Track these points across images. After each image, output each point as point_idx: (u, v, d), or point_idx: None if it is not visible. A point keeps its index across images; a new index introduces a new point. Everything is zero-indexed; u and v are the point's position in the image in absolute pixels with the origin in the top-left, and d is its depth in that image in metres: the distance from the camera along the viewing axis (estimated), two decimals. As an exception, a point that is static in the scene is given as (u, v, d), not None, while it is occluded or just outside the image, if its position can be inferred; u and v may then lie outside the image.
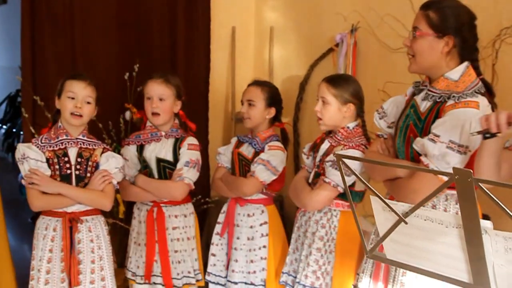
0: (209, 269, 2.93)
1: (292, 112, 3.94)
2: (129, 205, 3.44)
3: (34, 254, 2.53)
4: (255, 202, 2.84)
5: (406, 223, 1.13)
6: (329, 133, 2.59)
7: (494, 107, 2.04)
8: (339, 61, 3.62)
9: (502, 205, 0.98)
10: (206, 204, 3.85)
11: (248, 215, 2.83)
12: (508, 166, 1.83)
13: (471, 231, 1.04)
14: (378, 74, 3.31)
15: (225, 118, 4.32)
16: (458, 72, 2.03)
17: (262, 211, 2.84)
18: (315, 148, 2.64)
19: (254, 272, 2.81)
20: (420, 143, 1.95)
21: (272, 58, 4.20)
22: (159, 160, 2.78)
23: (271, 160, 2.76)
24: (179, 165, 2.75)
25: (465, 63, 2.03)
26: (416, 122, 2.06)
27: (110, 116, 3.52)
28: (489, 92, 2.04)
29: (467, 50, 2.04)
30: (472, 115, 1.87)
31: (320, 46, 3.79)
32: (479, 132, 1.63)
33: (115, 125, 3.63)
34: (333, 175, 2.40)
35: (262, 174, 2.74)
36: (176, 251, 2.78)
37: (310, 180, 2.59)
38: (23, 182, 2.50)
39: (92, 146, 2.59)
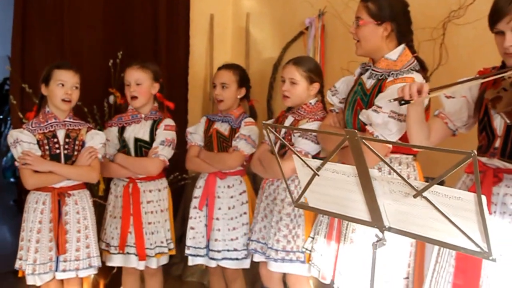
0: (188, 242, 3.17)
1: (266, 91, 4.23)
2: (109, 183, 3.75)
3: (24, 226, 2.84)
4: (234, 174, 3.14)
5: (318, 175, 1.45)
6: (289, 110, 2.89)
7: (427, 81, 2.38)
8: (309, 43, 3.92)
9: (385, 160, 1.28)
10: (184, 180, 4.12)
11: (228, 186, 3.13)
12: (436, 132, 2.16)
13: (364, 179, 1.36)
14: (343, 54, 3.60)
15: (204, 99, 4.60)
16: (396, 53, 2.39)
17: (241, 181, 3.16)
18: (277, 123, 2.94)
19: (237, 238, 3.10)
20: (365, 114, 2.29)
21: (248, 42, 4.49)
22: (136, 140, 3.09)
23: (251, 135, 3.09)
24: (155, 144, 3.06)
25: (402, 45, 2.40)
26: (363, 97, 2.40)
27: (95, 100, 3.79)
28: (423, 68, 2.38)
29: (403, 34, 2.40)
30: None
31: (292, 30, 4.10)
32: (395, 99, 1.96)
33: (99, 109, 3.90)
34: (302, 144, 2.70)
35: (245, 147, 3.06)
36: (150, 223, 3.08)
37: (276, 150, 2.87)
38: (16, 164, 2.80)
39: (78, 127, 2.92)
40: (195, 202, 3.19)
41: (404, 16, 2.41)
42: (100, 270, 3.35)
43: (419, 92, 1.92)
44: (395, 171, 1.34)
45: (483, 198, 1.20)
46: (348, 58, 3.47)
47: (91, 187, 3.15)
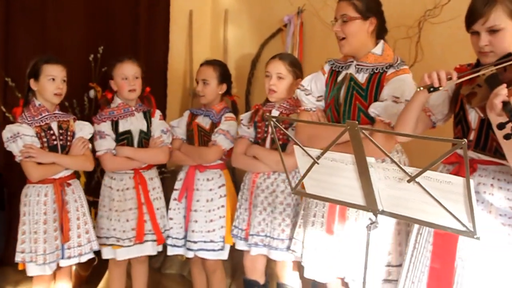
0: (168, 232, 3.29)
1: (244, 86, 4.34)
2: (89, 176, 3.81)
3: (25, 220, 2.92)
4: (213, 167, 3.25)
5: (318, 164, 1.57)
6: (266, 103, 3.00)
7: None
8: (287, 40, 4.05)
9: (383, 150, 1.42)
10: (163, 174, 4.17)
11: (207, 179, 3.24)
12: (420, 124, 2.31)
13: (361, 166, 1.49)
14: (321, 51, 3.74)
15: (183, 94, 4.69)
16: (379, 48, 2.56)
17: (220, 175, 3.27)
18: (256, 118, 3.03)
19: (214, 230, 3.21)
20: (380, 107, 2.42)
21: (226, 38, 4.60)
22: (140, 132, 3.20)
23: (230, 130, 3.20)
24: (157, 134, 3.21)
25: (382, 41, 2.56)
26: (360, 92, 2.52)
27: (75, 95, 3.83)
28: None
29: (381, 30, 2.55)
30: (409, 79, 2.46)
31: (270, 27, 4.22)
32: (424, 87, 2.05)
33: (79, 103, 3.96)
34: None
35: (223, 142, 3.17)
36: (158, 209, 3.24)
37: (267, 146, 2.98)
38: (17, 158, 2.86)
39: (67, 118, 3.04)
40: (175, 194, 3.31)
41: (381, 13, 2.59)
42: (81, 263, 3.43)
43: (449, 77, 2.01)
44: (392, 159, 1.48)
45: (471, 182, 1.34)
46: (326, 55, 3.58)
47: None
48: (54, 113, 2.98)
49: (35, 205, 2.90)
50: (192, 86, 4.62)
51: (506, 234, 2.07)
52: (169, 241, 3.30)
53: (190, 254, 3.27)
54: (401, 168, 1.44)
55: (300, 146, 1.63)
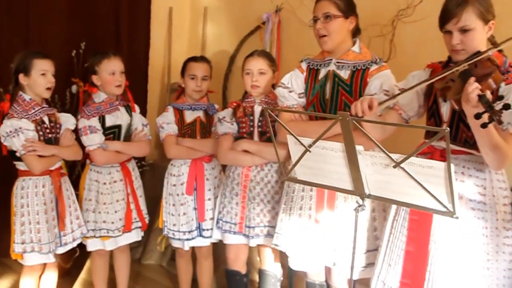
0: (182, 228, 3.29)
1: (221, 82, 4.44)
2: (70, 170, 3.85)
3: (24, 211, 2.94)
4: (214, 156, 3.34)
5: (310, 152, 1.69)
6: (244, 99, 3.11)
7: None
8: (266, 37, 4.16)
9: (373, 139, 1.54)
10: (142, 168, 4.28)
11: (212, 168, 3.35)
12: (393, 122, 2.43)
13: (350, 154, 1.61)
14: (298, 48, 3.88)
15: (161, 90, 4.75)
16: (357, 46, 2.70)
17: (217, 163, 3.39)
18: (238, 113, 3.11)
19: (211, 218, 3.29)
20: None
21: (205, 35, 4.69)
22: (128, 126, 3.28)
23: (219, 123, 3.27)
24: (139, 128, 3.31)
25: (358, 40, 2.67)
26: (345, 88, 2.64)
27: (56, 89, 3.82)
28: None
29: (357, 29, 2.68)
30: (390, 74, 2.62)
31: (249, 24, 4.34)
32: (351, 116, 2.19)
33: (60, 97, 3.98)
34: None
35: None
36: (140, 196, 3.36)
37: (255, 139, 3.05)
38: (18, 153, 2.88)
39: (52, 111, 3.09)
40: (181, 189, 3.29)
41: (357, 14, 2.71)
42: (62, 255, 3.47)
43: (370, 107, 2.17)
44: (380, 147, 1.61)
45: (452, 167, 1.48)
46: (303, 51, 3.71)
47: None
48: (43, 107, 3.02)
49: (35, 197, 2.94)
50: (170, 82, 4.70)
51: (474, 218, 2.22)
52: (186, 236, 3.30)
53: (207, 243, 3.33)
54: (387, 154, 1.56)
55: (293, 135, 1.74)
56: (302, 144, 1.71)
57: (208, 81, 3.35)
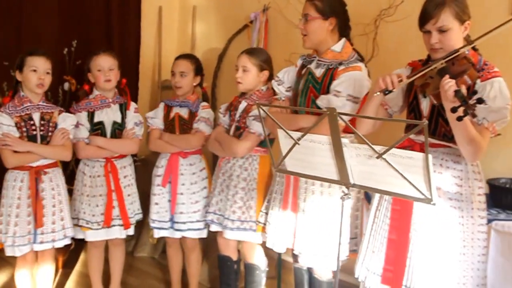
0: (153, 217, 3.45)
1: (211, 79, 4.54)
2: (65, 166, 3.92)
3: (4, 202, 3.04)
4: (195, 153, 3.44)
5: (299, 144, 1.80)
6: (242, 95, 3.22)
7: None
8: (253, 35, 4.28)
9: (357, 132, 1.66)
10: (134, 163, 4.34)
11: (190, 164, 3.43)
12: (379, 116, 2.55)
13: (336, 146, 1.73)
14: (285, 47, 3.99)
15: (152, 87, 4.84)
16: (339, 45, 2.80)
17: (200, 160, 3.47)
18: (231, 107, 3.26)
19: (198, 210, 3.40)
20: (325, 99, 2.68)
21: (194, 33, 4.79)
22: (114, 123, 3.33)
23: (210, 117, 3.41)
24: (130, 126, 3.35)
25: (344, 39, 2.82)
26: (315, 85, 2.78)
27: (49, 87, 3.93)
28: (361, 59, 2.81)
29: (343, 28, 2.84)
30: (358, 76, 2.68)
31: (237, 23, 4.46)
32: (381, 91, 2.30)
33: (53, 95, 4.05)
34: (256, 126, 3.05)
35: (206, 128, 3.38)
36: (128, 195, 3.39)
37: (231, 134, 3.20)
38: None
39: (51, 110, 3.13)
40: (157, 180, 3.44)
41: (344, 13, 2.84)
42: (59, 247, 3.54)
43: (400, 79, 2.28)
44: (364, 140, 1.73)
45: (430, 157, 1.60)
46: (290, 50, 3.85)
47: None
48: (38, 104, 3.07)
49: (11, 190, 3.01)
50: (161, 78, 4.79)
51: (451, 207, 2.35)
52: (155, 224, 3.45)
53: (178, 235, 3.44)
54: (371, 146, 1.69)
55: (283, 129, 1.86)
56: (291, 137, 1.83)
57: (188, 77, 3.42)
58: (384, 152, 1.68)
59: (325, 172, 1.89)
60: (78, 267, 4.07)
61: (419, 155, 1.64)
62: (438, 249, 2.35)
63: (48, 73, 3.07)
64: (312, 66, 2.83)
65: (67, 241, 3.19)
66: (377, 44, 3.62)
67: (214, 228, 3.29)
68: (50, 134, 3.09)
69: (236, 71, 3.22)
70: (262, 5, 4.22)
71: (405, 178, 1.68)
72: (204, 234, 3.47)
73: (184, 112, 3.44)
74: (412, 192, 1.72)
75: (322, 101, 2.70)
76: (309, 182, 2.73)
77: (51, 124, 3.10)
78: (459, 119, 1.98)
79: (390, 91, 2.27)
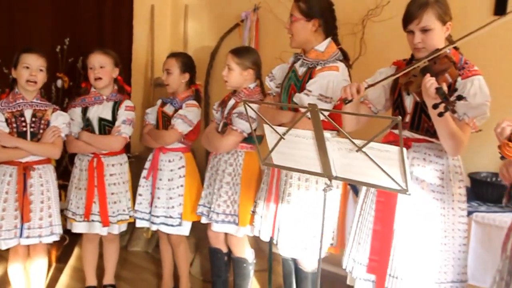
0: (136, 207, 3.59)
1: (203, 77, 4.65)
2: (60, 161, 4.03)
3: None
4: (175, 150, 3.54)
5: (284, 139, 1.92)
6: (234, 92, 3.34)
7: (350, 68, 3.00)
8: (244, 34, 4.39)
9: (338, 126, 1.78)
10: (128, 159, 4.44)
11: (169, 161, 3.54)
12: (364, 118, 2.67)
13: (319, 140, 1.85)
14: (275, 45, 4.09)
15: (145, 84, 4.95)
16: (323, 45, 2.93)
17: (180, 157, 3.55)
18: (223, 104, 3.37)
19: (173, 207, 3.51)
20: (298, 97, 2.82)
21: (186, 31, 4.90)
22: (100, 119, 3.44)
23: (188, 115, 3.48)
24: (117, 123, 3.44)
25: (328, 38, 2.94)
26: (296, 83, 2.92)
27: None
28: (346, 58, 2.93)
29: (329, 28, 2.95)
30: (333, 76, 2.79)
31: (228, 22, 4.58)
32: (341, 100, 2.43)
33: (46, 91, 4.12)
34: (239, 124, 3.17)
35: (180, 126, 3.45)
36: (113, 194, 3.47)
37: (220, 130, 3.32)
38: None
39: (44, 107, 3.21)
40: (144, 173, 3.59)
41: (330, 13, 2.95)
42: (54, 242, 3.63)
43: (358, 91, 2.40)
44: (345, 134, 1.85)
45: (404, 150, 1.72)
46: (280, 48, 3.95)
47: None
48: (31, 102, 3.15)
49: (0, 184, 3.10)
50: (154, 76, 4.90)
51: (433, 199, 2.48)
52: (137, 215, 3.58)
53: (154, 227, 3.57)
54: (351, 140, 1.81)
55: (269, 125, 1.98)
56: (277, 132, 1.95)
57: (174, 74, 3.51)
58: (363, 146, 1.80)
59: (310, 165, 2.02)
60: (72, 261, 4.18)
61: (395, 149, 1.76)
62: (420, 239, 2.49)
63: (41, 70, 3.14)
64: (297, 64, 2.96)
65: (55, 238, 3.25)
66: (364, 43, 3.73)
67: (203, 220, 3.42)
68: (41, 131, 3.16)
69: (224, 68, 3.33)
70: (253, 5, 4.33)
71: (382, 170, 1.80)
72: (183, 231, 3.55)
73: (169, 109, 3.55)
74: (390, 183, 1.85)
75: (296, 99, 2.85)
76: (288, 175, 2.87)
77: (43, 122, 3.17)
78: (440, 115, 2.10)
79: (350, 101, 2.40)
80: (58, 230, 3.25)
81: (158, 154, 3.53)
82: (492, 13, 3.30)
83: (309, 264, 3.00)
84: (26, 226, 3.11)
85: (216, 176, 3.31)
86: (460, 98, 2.09)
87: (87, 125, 3.42)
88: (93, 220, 3.41)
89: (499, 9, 3.29)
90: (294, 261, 3.10)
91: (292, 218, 2.89)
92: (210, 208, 3.32)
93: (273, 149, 2.05)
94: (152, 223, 3.53)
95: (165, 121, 3.55)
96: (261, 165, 2.25)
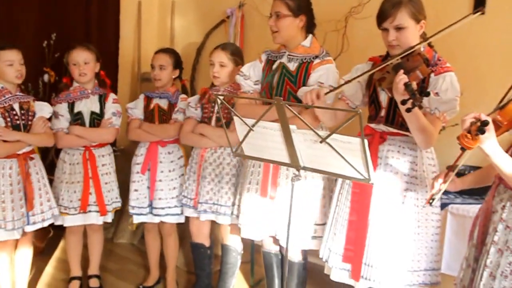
0: (132, 203, 3.67)
1: (189, 73, 4.76)
2: (45, 154, 4.12)
3: None
4: (173, 142, 3.67)
5: (253, 131, 2.02)
6: (211, 87, 3.44)
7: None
8: (230, 30, 4.51)
9: (302, 119, 1.87)
10: (113, 152, 4.51)
11: (169, 153, 3.66)
12: (343, 112, 2.77)
13: (286, 132, 1.95)
14: (260, 41, 4.21)
15: (132, 78, 5.04)
16: (308, 41, 3.04)
17: (178, 148, 3.70)
18: (203, 100, 3.47)
19: (176, 196, 3.63)
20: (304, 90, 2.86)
21: (173, 27, 5.00)
22: (92, 113, 3.55)
23: (185, 108, 3.61)
24: (107, 116, 3.56)
25: (311, 35, 3.00)
26: (290, 78, 3.01)
27: (29, 78, 4.03)
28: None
29: (310, 25, 3.01)
30: (332, 68, 2.96)
31: (214, 18, 4.71)
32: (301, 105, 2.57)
33: (33, 86, 4.27)
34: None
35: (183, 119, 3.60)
36: (106, 183, 3.61)
37: (213, 124, 3.41)
38: None
39: (27, 99, 3.34)
40: (137, 168, 3.67)
41: (311, 11, 3.07)
42: (37, 234, 3.73)
43: (318, 97, 2.53)
44: (308, 125, 1.96)
45: (365, 141, 1.82)
46: (265, 44, 4.03)
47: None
48: (16, 95, 3.26)
49: (1, 178, 3.19)
50: (140, 71, 4.99)
51: (407, 190, 2.60)
52: (135, 211, 3.68)
53: (156, 220, 3.68)
54: (315, 132, 1.91)
55: (238, 117, 2.09)
56: (246, 124, 2.05)
57: (167, 70, 3.63)
58: (327, 137, 1.91)
59: (278, 156, 2.13)
60: (57, 253, 4.29)
61: (357, 140, 1.86)
62: (394, 229, 2.60)
63: (22, 64, 3.25)
64: (284, 60, 3.04)
65: (53, 220, 3.43)
66: (347, 40, 3.85)
67: (206, 217, 3.46)
68: (30, 122, 3.29)
69: (210, 65, 3.41)
70: (238, 1, 4.45)
71: (346, 160, 1.90)
72: (182, 219, 3.70)
73: (163, 103, 3.66)
74: (353, 173, 1.95)
75: (303, 92, 2.88)
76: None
77: (30, 113, 3.30)
78: (408, 110, 2.21)
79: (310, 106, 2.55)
80: (57, 211, 3.43)
81: (155, 147, 3.62)
82: (471, 11, 3.40)
83: (296, 255, 3.12)
84: (31, 213, 3.27)
85: (221, 170, 3.38)
86: (426, 94, 2.19)
87: (75, 120, 3.52)
88: (90, 211, 3.54)
89: (478, 7, 3.40)
90: (280, 252, 3.21)
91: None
92: (218, 203, 3.38)
93: (243, 140, 2.15)
94: (155, 215, 3.64)
95: (161, 115, 3.65)
96: (233, 156, 2.35)
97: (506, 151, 2.11)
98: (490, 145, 1.92)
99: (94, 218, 3.57)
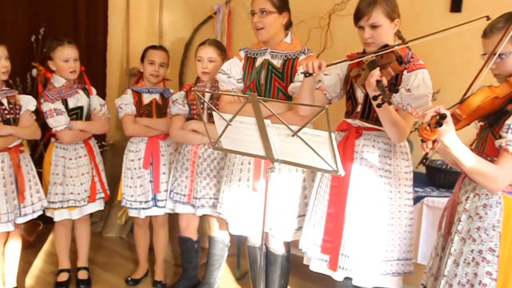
0: (138, 199, 3.79)
1: (178, 68, 4.91)
2: (35, 148, 4.30)
3: None
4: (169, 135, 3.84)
5: (231, 125, 2.20)
6: (196, 83, 3.63)
7: None
8: (217, 26, 4.68)
9: (277, 115, 2.05)
10: (102, 147, 4.75)
11: (168, 145, 3.86)
12: (318, 101, 2.96)
13: (261, 126, 2.13)
14: (247, 37, 4.36)
15: (120, 74, 5.20)
16: (289, 38, 3.21)
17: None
18: (190, 96, 3.61)
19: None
20: (297, 87, 3.02)
21: (162, 23, 5.15)
22: (85, 107, 3.74)
23: (173, 105, 3.75)
24: (98, 108, 3.78)
25: (289, 32, 3.17)
26: (277, 74, 3.16)
27: (18, 73, 4.29)
28: None
29: (289, 23, 3.16)
30: None
31: (202, 14, 4.89)
32: (302, 72, 2.69)
33: (22, 80, 4.44)
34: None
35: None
36: (102, 170, 3.88)
37: (205, 120, 3.54)
38: None
39: (12, 93, 3.50)
40: (138, 164, 3.79)
41: (289, 9, 3.22)
42: (26, 228, 3.88)
43: (319, 67, 2.68)
44: (280, 120, 2.15)
45: (332, 135, 2.01)
46: (251, 40, 4.18)
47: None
48: (3, 90, 3.41)
49: None
50: (129, 67, 5.15)
51: (381, 183, 2.77)
52: (143, 205, 3.81)
53: (161, 212, 3.85)
54: (287, 126, 2.09)
55: (217, 112, 2.27)
56: (224, 119, 2.23)
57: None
58: (298, 131, 2.09)
59: (254, 149, 2.32)
60: (46, 246, 4.47)
61: (325, 134, 2.05)
62: (369, 221, 2.79)
63: (7, 58, 3.37)
64: (268, 57, 3.20)
65: (41, 212, 3.59)
66: (330, 36, 4.01)
67: (205, 211, 3.59)
68: (17, 116, 3.45)
69: (197, 61, 3.55)
70: (224, -2, 4.61)
71: (316, 152, 2.08)
72: (166, 210, 3.87)
73: (158, 98, 3.85)
74: (323, 165, 2.13)
75: (295, 89, 3.06)
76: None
77: (17, 107, 3.46)
78: (378, 106, 2.38)
79: (310, 74, 2.68)
80: (46, 203, 3.60)
81: (156, 141, 3.79)
82: (448, 10, 3.59)
83: (279, 247, 3.30)
84: (22, 205, 3.43)
85: (221, 164, 3.53)
86: (395, 91, 2.36)
87: (71, 115, 3.66)
88: (97, 199, 3.82)
89: (455, 6, 3.59)
90: (266, 246, 3.37)
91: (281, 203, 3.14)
92: (216, 199, 3.52)
93: (221, 134, 2.33)
94: (161, 207, 3.81)
95: (157, 110, 3.83)
96: (212, 149, 2.52)
97: (470, 146, 2.29)
98: (449, 138, 2.09)
99: (98, 205, 3.85)
